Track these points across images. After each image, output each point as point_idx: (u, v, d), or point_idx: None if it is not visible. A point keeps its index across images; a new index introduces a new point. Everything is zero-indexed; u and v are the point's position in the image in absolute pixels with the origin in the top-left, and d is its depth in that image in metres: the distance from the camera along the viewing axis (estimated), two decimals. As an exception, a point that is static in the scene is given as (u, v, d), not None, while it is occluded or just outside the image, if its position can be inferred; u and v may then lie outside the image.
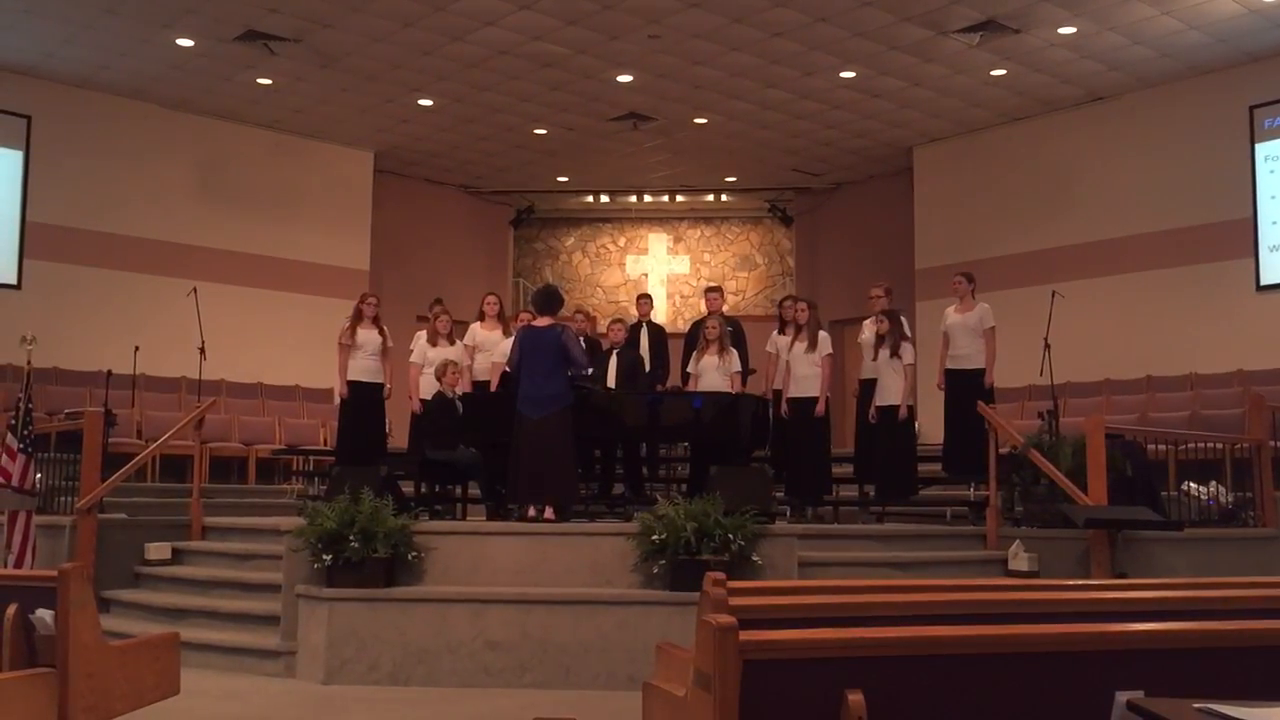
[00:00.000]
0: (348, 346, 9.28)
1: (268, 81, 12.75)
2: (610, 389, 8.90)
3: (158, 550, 8.16)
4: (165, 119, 13.48)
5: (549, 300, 7.84)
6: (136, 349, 11.04)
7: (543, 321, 7.77)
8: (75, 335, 12.41)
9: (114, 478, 8.13)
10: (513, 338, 9.20)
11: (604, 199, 17.56)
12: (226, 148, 13.96)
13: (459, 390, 8.71)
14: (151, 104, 13.32)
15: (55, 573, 3.84)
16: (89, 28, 11.38)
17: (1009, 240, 13.72)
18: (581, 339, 8.45)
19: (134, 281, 13.07)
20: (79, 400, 11.18)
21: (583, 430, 7.83)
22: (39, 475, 8.23)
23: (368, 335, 9.34)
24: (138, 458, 8.63)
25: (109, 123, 13.10)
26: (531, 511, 7.55)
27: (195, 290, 11.09)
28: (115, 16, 11.13)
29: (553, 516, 7.50)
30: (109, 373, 10.54)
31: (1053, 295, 9.31)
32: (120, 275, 13.01)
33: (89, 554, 7.73)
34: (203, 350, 10.68)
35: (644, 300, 10.57)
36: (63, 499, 8.38)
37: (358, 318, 9.38)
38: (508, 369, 8.39)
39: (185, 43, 11.71)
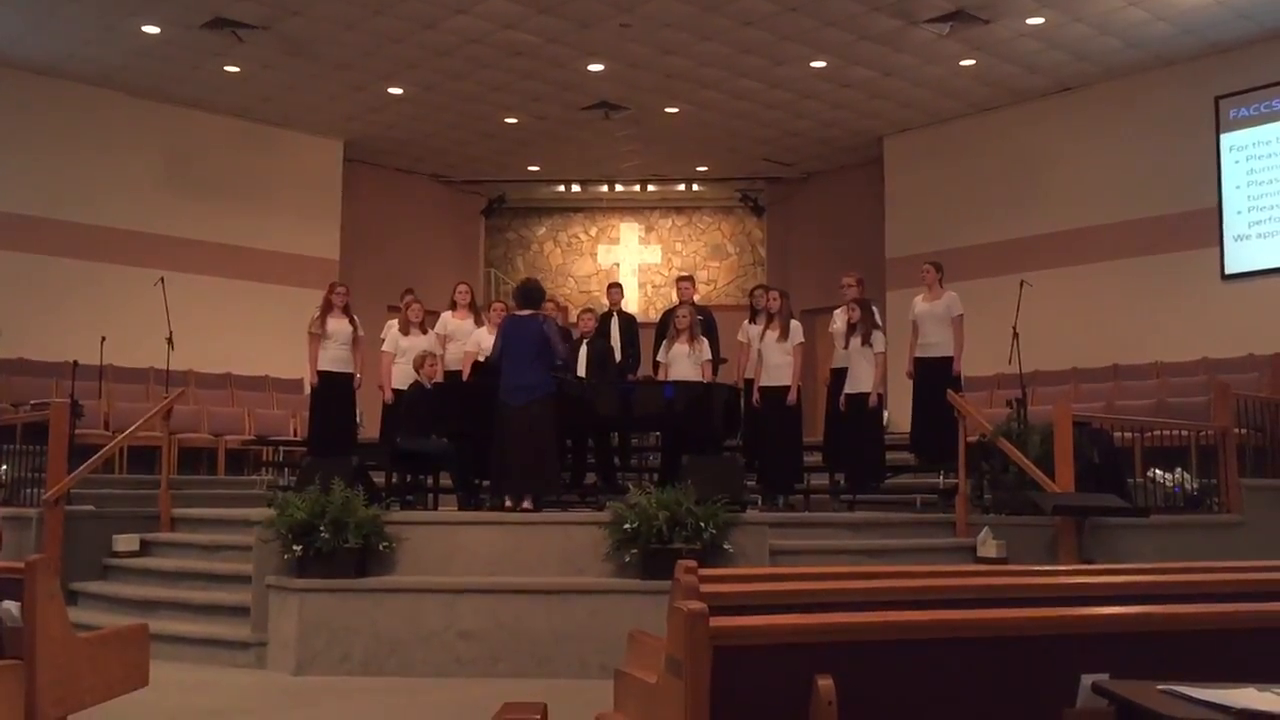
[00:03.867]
0: (318, 336, 9.26)
1: (236, 69, 12.62)
2: (581, 379, 8.93)
3: (126, 542, 8.12)
4: (132, 107, 13.32)
5: (531, 295, 7.97)
6: (104, 339, 10.92)
7: (525, 312, 7.88)
8: (41, 326, 12.26)
9: (81, 469, 8.05)
10: (483, 327, 9.27)
11: (575, 188, 17.53)
12: (194, 136, 13.82)
13: (434, 381, 8.75)
14: (118, 92, 13.15)
15: (22, 565, 3.80)
16: (54, 15, 11.22)
17: (978, 230, 13.76)
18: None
19: (101, 271, 12.91)
20: (45, 391, 11.05)
21: (558, 419, 7.84)
22: (4, 467, 8.14)
23: (338, 325, 9.32)
24: (105, 449, 8.55)
25: (75, 111, 12.93)
26: (509, 502, 7.56)
27: (163, 280, 10.97)
28: (80, 4, 10.97)
29: (529, 507, 7.52)
30: (75, 363, 10.42)
31: (1021, 284, 9.36)
32: (87, 265, 12.85)
33: (56, 546, 7.68)
34: (171, 340, 10.58)
35: (614, 289, 10.58)
36: (29, 491, 8.30)
37: (328, 307, 9.35)
38: (483, 359, 8.41)
39: (152, 30, 11.57)
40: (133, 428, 8.84)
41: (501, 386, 7.69)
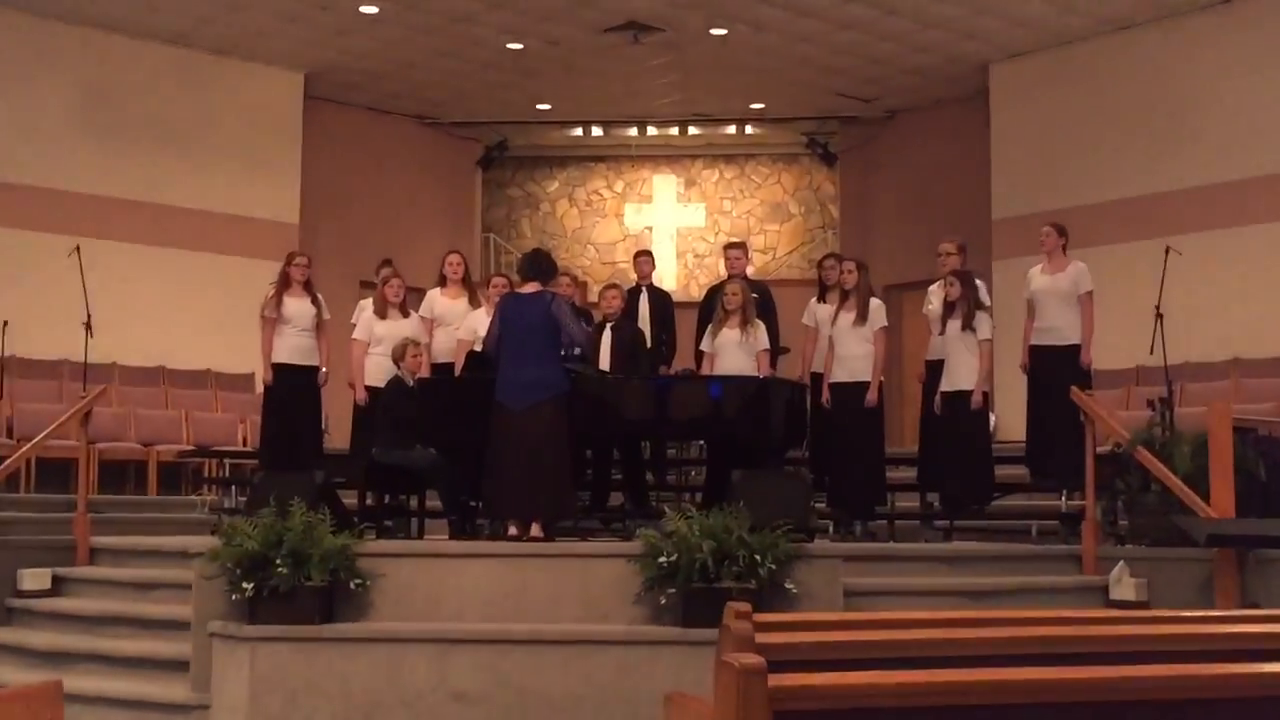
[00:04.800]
0: (273, 320, 9.30)
1: (169, -17, 12.74)
2: (604, 372, 8.92)
3: (34, 579, 8.13)
4: (39, 31, 13.37)
5: (539, 265, 7.96)
6: (4, 325, 11.04)
7: (529, 288, 7.85)
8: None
9: (-25, 488, 8.15)
10: (480, 309, 9.28)
11: (596, 132, 17.53)
12: (117, 68, 13.91)
13: (418, 375, 8.78)
14: (21, 12, 13.22)
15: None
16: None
17: (1111, 182, 13.61)
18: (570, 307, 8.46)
19: None
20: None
21: (572, 424, 7.84)
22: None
23: (298, 306, 9.35)
24: (7, 462, 8.63)
25: (-37, 35, 13.08)
26: (513, 529, 7.58)
27: (78, 249, 11.04)
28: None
29: (539, 535, 7.54)
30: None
31: (1167, 252, 9.27)
32: (-20, 230, 13.07)
33: (-53, 584, 7.76)
34: (89, 326, 10.65)
35: (645, 259, 10.59)
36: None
37: (285, 284, 9.38)
38: (479, 348, 8.40)
39: (63, -66, 11.69)
40: (42, 435, 8.83)
41: (499, 384, 7.68)
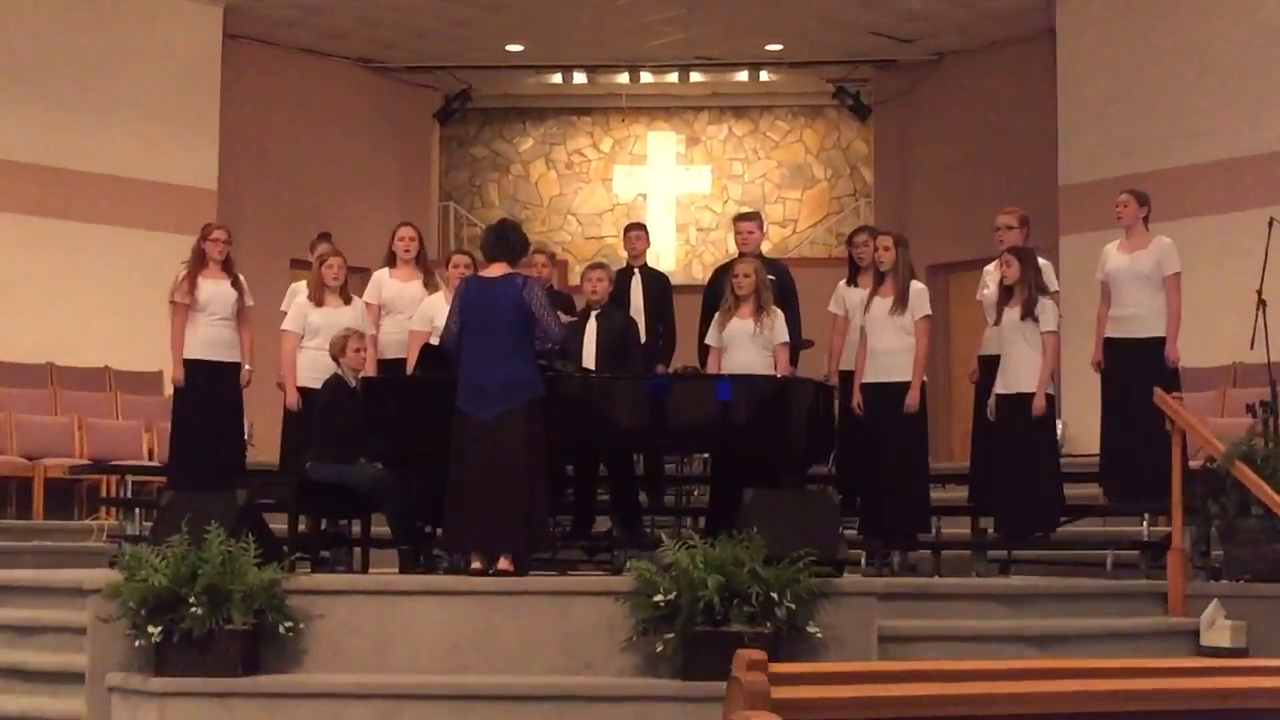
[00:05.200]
0: (185, 307, 9.29)
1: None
2: (588, 371, 8.92)
3: (-109, 621, 8.14)
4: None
5: (505, 241, 7.92)
6: None
7: (495, 270, 7.83)
8: None
9: None
10: (437, 293, 9.28)
11: (579, 79, 17.54)
12: (-7, -1, 13.95)
13: (362, 374, 8.76)
14: None
15: None
16: None
17: (1204, 141, 13.48)
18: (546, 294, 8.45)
19: None
20: None
21: (550, 434, 7.84)
22: None
23: (216, 290, 9.36)
24: None
25: None
26: (477, 561, 7.58)
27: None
28: None
29: (508, 568, 7.53)
30: None
31: (1270, 225, 9.29)
32: None
33: None
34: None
35: (638, 234, 10.55)
36: None
37: (200, 263, 9.37)
38: (436, 341, 8.38)
39: None
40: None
41: (461, 388, 7.67)
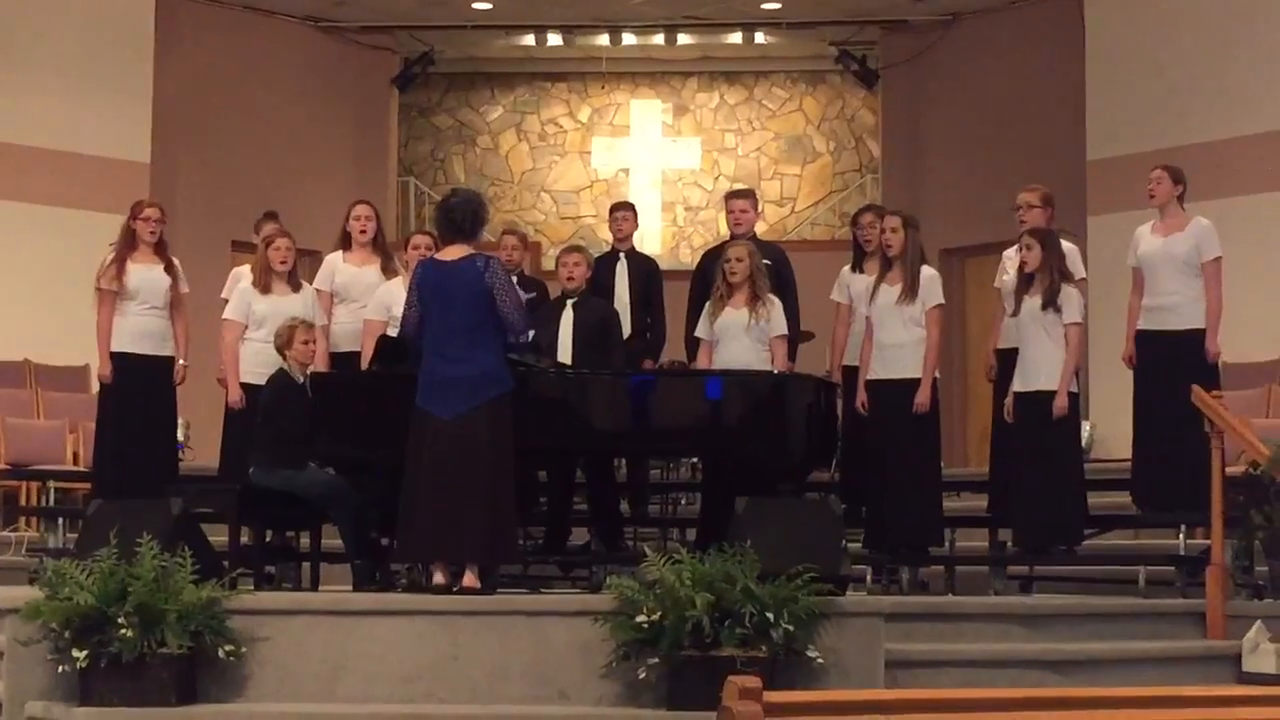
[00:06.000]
0: (113, 294, 9.24)
1: None
2: (564, 366, 8.87)
3: None
4: None
5: (463, 216, 7.87)
6: None
7: (455, 252, 7.76)
8: None
9: None
10: (396, 278, 9.24)
11: (554, 40, 17.50)
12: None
13: (312, 369, 8.70)
14: None
15: None
16: None
17: (1248, 111, 13.50)
18: (516, 279, 8.41)
19: None
20: None
21: (521, 437, 7.82)
22: None
23: (147, 275, 9.33)
24: None
25: None
26: (439, 576, 7.53)
27: None
28: None
29: (474, 585, 7.49)
30: None
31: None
32: None
33: None
34: None
35: (623, 214, 10.50)
36: None
37: (130, 245, 9.32)
38: (395, 333, 8.35)
39: None
40: None
41: (421, 383, 7.64)
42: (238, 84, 16.16)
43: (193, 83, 15.69)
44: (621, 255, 10.17)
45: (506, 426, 7.60)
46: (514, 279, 8.33)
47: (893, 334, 8.99)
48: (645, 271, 10.19)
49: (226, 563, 7.89)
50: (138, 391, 9.27)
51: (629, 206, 10.70)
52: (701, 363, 9.08)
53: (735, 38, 17.50)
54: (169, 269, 9.38)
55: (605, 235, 10.90)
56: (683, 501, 10.73)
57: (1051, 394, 8.75)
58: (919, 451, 9.01)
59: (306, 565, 8.87)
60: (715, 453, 8.81)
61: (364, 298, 9.35)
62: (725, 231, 10.33)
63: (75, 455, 12.58)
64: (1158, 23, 14.20)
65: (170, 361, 9.40)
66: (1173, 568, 8.91)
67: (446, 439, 7.52)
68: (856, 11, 16.52)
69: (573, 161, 18.28)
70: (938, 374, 9.06)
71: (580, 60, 17.98)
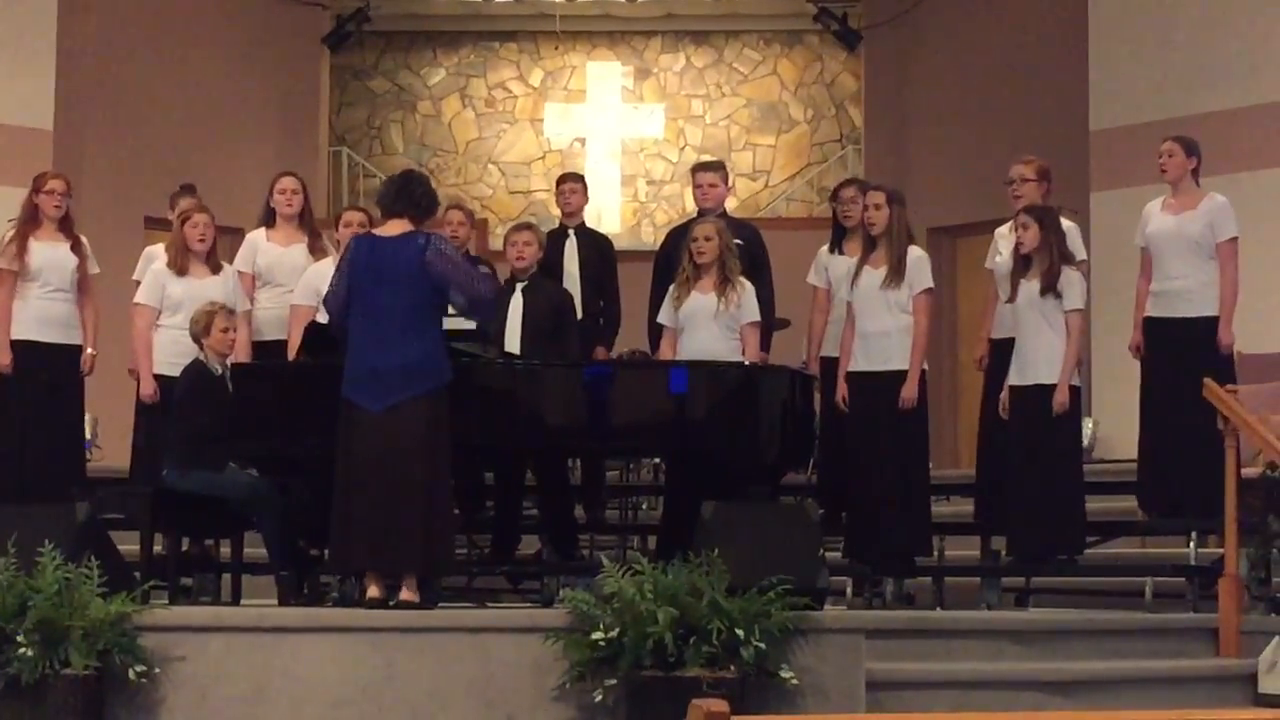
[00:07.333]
0: (13, 275, 9.24)
1: None
2: (511, 355, 8.87)
3: None
4: None
5: (409, 193, 7.93)
6: None
7: (395, 228, 7.75)
8: None
9: None
10: (326, 259, 9.24)
11: (502, -5, 17.42)
12: None
13: (232, 359, 8.67)
14: None
15: None
16: None
17: (1262, 79, 13.59)
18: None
19: None
20: None
21: (464, 434, 7.82)
22: None
23: (51, 254, 9.34)
24: None
25: None
26: (373, 589, 7.53)
27: None
28: None
29: (412, 598, 7.48)
30: None
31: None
32: None
33: None
34: None
35: (574, 187, 10.60)
36: None
37: (32, 222, 9.29)
38: (324, 319, 8.36)
39: None
40: None
41: (348, 373, 7.61)
42: (151, 43, 16.06)
43: (101, 41, 15.60)
44: (571, 231, 10.21)
45: (443, 422, 7.58)
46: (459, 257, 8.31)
47: (876, 321, 9.00)
48: (597, 250, 10.24)
49: (138, 574, 7.86)
50: (40, 383, 9.23)
51: (578, 178, 10.74)
52: (665, 352, 9.10)
53: (705, -7, 17.49)
54: (75, 248, 9.34)
55: (556, 212, 10.88)
56: (644, 506, 10.75)
57: (1050, 388, 8.79)
58: (905, 451, 9.01)
59: (227, 577, 8.88)
60: (679, 452, 8.82)
61: (290, 280, 9.34)
62: (692, 208, 10.38)
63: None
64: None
65: (77, 350, 9.36)
66: (1182, 579, 8.97)
67: (377, 435, 7.50)
68: (838, -31, 16.56)
69: (523, 130, 18.25)
70: (926, 366, 9.08)
71: (532, 18, 17.94)
